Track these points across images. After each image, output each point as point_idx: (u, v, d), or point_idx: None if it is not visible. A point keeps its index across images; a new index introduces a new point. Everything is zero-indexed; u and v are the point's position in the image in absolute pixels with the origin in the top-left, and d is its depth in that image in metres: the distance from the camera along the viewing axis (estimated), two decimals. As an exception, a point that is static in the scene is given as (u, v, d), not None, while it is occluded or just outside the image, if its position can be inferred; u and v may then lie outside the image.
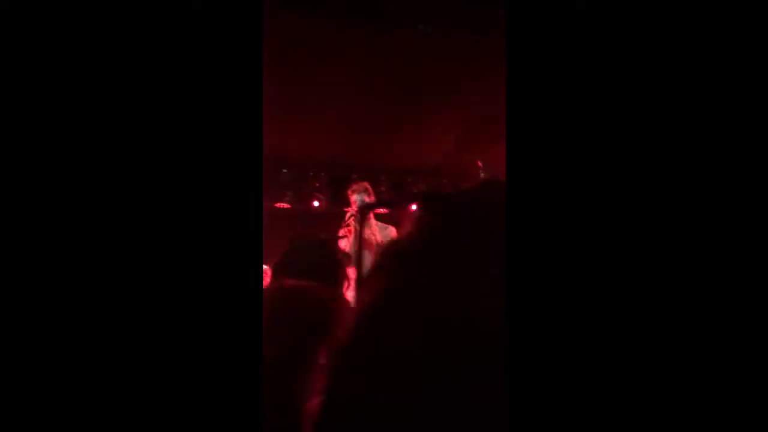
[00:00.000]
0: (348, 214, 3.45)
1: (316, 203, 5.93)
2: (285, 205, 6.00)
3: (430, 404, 0.50)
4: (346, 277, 1.62)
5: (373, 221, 3.42)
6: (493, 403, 0.50)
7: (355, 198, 3.52)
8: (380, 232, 3.35)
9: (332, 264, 1.57)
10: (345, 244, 3.32)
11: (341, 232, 3.45)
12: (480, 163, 3.31)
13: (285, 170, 5.98)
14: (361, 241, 3.13)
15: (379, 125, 4.93)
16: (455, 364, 0.51)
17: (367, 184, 3.62)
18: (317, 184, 6.03)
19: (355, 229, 3.32)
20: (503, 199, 0.59)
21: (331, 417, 0.56)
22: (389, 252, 0.63)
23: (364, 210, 3.30)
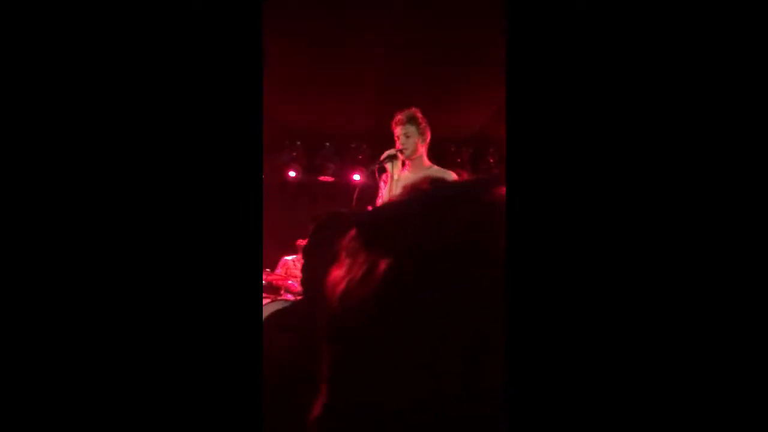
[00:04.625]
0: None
1: (356, 176, 5.93)
2: (328, 179, 6.07)
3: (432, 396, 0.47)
4: None
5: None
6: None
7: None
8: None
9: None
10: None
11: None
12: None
13: (327, 143, 6.00)
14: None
15: (416, 95, 4.86)
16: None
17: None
18: (360, 157, 6.04)
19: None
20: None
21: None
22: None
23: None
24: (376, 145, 5.33)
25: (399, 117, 2.71)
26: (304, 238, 3.64)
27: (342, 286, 0.51)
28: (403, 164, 2.74)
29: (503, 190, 0.53)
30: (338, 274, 0.52)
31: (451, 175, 2.68)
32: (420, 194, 0.55)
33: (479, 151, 6.03)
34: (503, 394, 0.49)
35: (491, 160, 6.03)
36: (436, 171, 2.76)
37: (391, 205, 0.58)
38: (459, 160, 5.93)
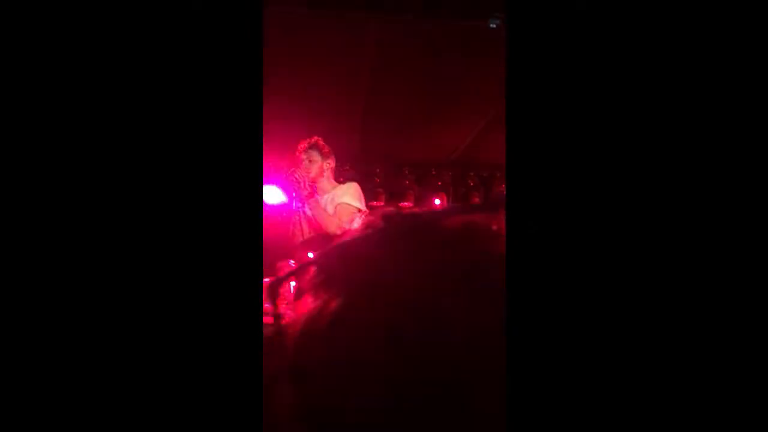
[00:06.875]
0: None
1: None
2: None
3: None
4: None
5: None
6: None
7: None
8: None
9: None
10: None
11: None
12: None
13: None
14: None
15: (398, 119, 4.91)
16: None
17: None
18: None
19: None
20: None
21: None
22: None
23: None
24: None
25: (303, 145, 3.08)
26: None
27: (304, 321, 0.49)
28: (312, 192, 3.05)
29: (456, 220, 0.52)
30: (301, 309, 0.50)
31: (356, 187, 3.07)
32: (375, 230, 0.53)
33: (459, 174, 6.10)
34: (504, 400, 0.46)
35: (471, 183, 6.09)
36: (340, 187, 3.13)
37: (349, 243, 0.57)
38: (440, 183, 5.98)
